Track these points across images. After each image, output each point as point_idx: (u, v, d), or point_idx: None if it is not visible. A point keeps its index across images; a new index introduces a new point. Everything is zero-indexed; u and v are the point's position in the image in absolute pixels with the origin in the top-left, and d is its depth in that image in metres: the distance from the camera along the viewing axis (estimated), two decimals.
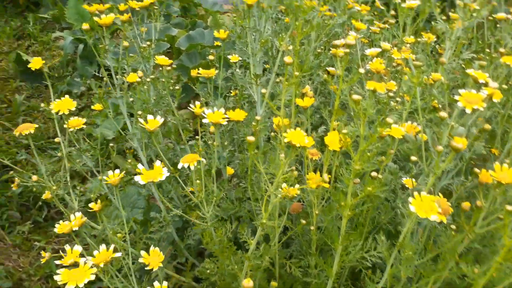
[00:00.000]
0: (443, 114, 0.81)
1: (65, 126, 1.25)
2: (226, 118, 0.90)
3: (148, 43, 1.39)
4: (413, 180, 0.99)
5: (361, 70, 0.85)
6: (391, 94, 1.11)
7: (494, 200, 0.84)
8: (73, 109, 1.07)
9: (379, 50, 1.41)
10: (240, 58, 1.51)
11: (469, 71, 0.84)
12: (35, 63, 1.11)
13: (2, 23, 3.55)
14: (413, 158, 0.90)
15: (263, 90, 0.90)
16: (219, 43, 1.97)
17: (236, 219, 1.31)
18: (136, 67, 1.41)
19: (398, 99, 1.19)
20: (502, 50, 1.33)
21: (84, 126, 1.18)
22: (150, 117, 0.91)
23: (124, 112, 1.17)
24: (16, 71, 2.91)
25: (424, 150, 0.95)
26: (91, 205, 0.98)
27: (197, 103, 0.93)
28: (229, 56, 1.57)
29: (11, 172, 2.00)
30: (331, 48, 1.51)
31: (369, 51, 1.41)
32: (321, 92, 1.68)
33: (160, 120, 0.90)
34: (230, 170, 1.32)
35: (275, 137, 0.98)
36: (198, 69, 1.26)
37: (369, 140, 0.76)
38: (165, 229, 1.33)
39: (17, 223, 1.82)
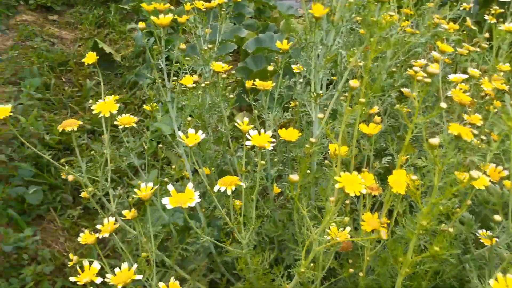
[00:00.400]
0: None
1: (117, 122, 1.22)
2: (273, 141, 0.81)
3: (210, 45, 1.33)
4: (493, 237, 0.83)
5: (443, 105, 0.71)
6: (475, 131, 0.94)
7: None
8: (115, 112, 1.03)
9: (465, 76, 1.23)
10: (304, 69, 1.40)
11: None
12: (89, 57, 1.09)
13: (86, 11, 3.75)
14: (497, 217, 0.74)
15: (320, 115, 0.79)
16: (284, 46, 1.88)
17: (278, 242, 1.21)
18: (196, 69, 1.36)
19: (483, 137, 1.01)
20: None
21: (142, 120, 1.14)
22: (191, 130, 0.84)
23: (173, 117, 1.12)
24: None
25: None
26: (124, 212, 0.93)
27: (246, 119, 0.85)
28: (293, 66, 1.47)
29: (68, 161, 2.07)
30: (408, 69, 1.35)
31: (453, 77, 1.23)
32: (390, 113, 1.53)
33: (201, 136, 0.83)
34: (276, 189, 1.22)
35: (329, 166, 0.86)
36: (254, 80, 1.17)
37: (444, 194, 0.62)
38: (202, 241, 1.26)
39: (69, 206, 1.86)
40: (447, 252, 0.67)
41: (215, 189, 0.78)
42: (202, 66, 1.35)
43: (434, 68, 0.68)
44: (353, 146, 0.98)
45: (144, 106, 1.17)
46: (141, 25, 1.05)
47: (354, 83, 0.71)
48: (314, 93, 0.92)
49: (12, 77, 2.61)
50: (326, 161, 0.91)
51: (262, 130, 0.81)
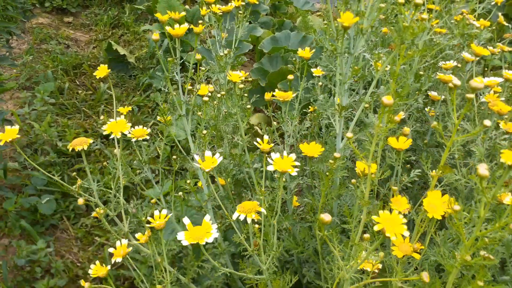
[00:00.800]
0: None
1: (130, 135, 1.16)
2: (297, 165, 0.73)
3: (226, 52, 1.26)
4: None
5: (487, 123, 0.62)
6: None
7: None
8: (127, 132, 0.96)
9: (500, 80, 1.14)
10: (325, 73, 1.32)
11: None
12: (101, 71, 1.03)
13: (102, 12, 3.72)
14: None
15: (349, 135, 0.71)
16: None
17: (299, 262, 1.14)
18: (211, 77, 1.30)
19: None
20: None
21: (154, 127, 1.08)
22: (207, 153, 0.78)
23: (187, 130, 1.05)
24: (105, 59, 3.01)
25: None
26: (138, 235, 0.87)
27: (266, 137, 0.78)
28: (312, 69, 1.39)
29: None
30: (437, 72, 1.26)
31: (486, 81, 1.14)
32: (417, 118, 1.44)
33: (218, 158, 0.76)
34: (296, 202, 1.15)
35: (356, 187, 0.78)
36: (273, 92, 1.09)
37: (493, 227, 0.54)
38: (218, 258, 1.20)
39: (82, 214, 1.83)
40: None
41: (234, 216, 0.71)
42: (217, 74, 1.28)
43: (478, 83, 0.60)
44: (378, 157, 0.90)
45: (158, 118, 1.11)
46: (155, 36, 0.99)
47: (388, 100, 0.63)
48: (339, 106, 0.85)
49: (27, 82, 2.59)
50: (353, 181, 0.83)
51: (284, 153, 0.74)
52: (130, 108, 1.21)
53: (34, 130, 2.11)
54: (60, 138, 2.12)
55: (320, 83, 1.45)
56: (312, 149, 0.87)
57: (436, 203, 0.71)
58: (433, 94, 1.33)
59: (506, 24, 1.61)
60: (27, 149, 2.00)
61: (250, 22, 3.09)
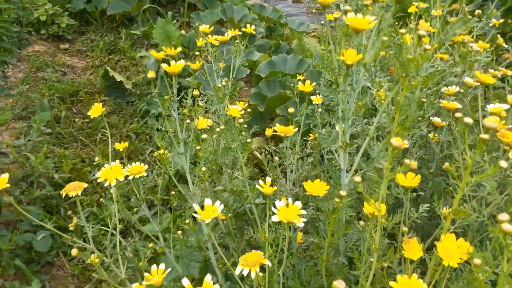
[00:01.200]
0: None
1: (127, 172, 1.12)
2: (303, 214, 0.69)
3: (224, 83, 1.24)
4: None
5: (503, 164, 0.59)
6: None
7: None
8: (122, 179, 0.93)
9: (506, 106, 1.11)
10: (325, 101, 1.30)
11: None
12: (95, 110, 1.00)
13: (98, 38, 3.73)
14: None
15: (357, 179, 0.68)
16: (301, 77, 1.78)
17: None
18: (209, 108, 1.27)
19: None
20: None
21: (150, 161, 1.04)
22: (207, 201, 0.74)
23: (186, 168, 1.02)
24: (102, 86, 2.99)
25: None
26: (134, 286, 0.82)
27: (268, 179, 0.74)
28: (312, 97, 1.37)
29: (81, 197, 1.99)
30: (441, 100, 1.23)
31: (491, 107, 1.11)
32: (420, 145, 1.40)
33: (219, 207, 0.73)
34: (300, 240, 1.11)
35: (364, 229, 0.75)
36: (273, 122, 1.06)
37: None
38: None
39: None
40: None
41: (237, 271, 0.67)
42: (216, 104, 1.25)
43: (493, 122, 0.57)
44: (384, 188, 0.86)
45: (155, 154, 1.07)
46: (151, 74, 0.96)
47: (397, 141, 0.60)
48: (343, 143, 0.81)
49: (23, 112, 2.56)
50: (361, 223, 0.79)
51: (290, 201, 0.70)
52: (126, 144, 1.17)
53: (30, 162, 2.07)
54: (56, 169, 2.08)
55: (319, 110, 1.43)
56: (317, 187, 0.83)
57: (451, 248, 0.67)
58: (436, 120, 1.31)
59: (506, 46, 1.60)
60: (23, 183, 1.96)
61: (246, 46, 3.09)
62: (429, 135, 1.40)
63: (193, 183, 1.01)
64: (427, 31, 1.49)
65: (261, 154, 2.40)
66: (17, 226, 1.72)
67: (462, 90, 1.27)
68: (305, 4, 5.28)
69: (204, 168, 0.97)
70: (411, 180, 0.82)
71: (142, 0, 3.73)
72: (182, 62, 0.96)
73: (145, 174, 1.12)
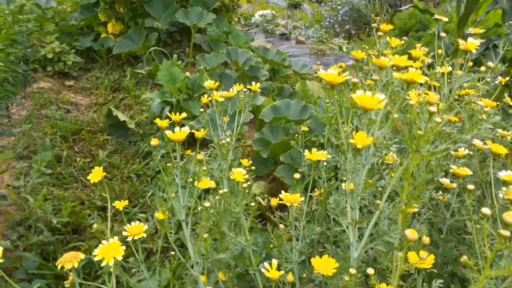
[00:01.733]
0: None
1: (125, 232, 1.09)
2: None
3: (228, 139, 1.23)
4: None
5: None
6: None
7: None
8: (120, 258, 0.90)
9: None
10: (331, 158, 1.29)
11: None
12: (95, 174, 0.99)
13: (103, 75, 3.78)
14: None
15: (370, 271, 0.65)
16: (305, 128, 1.78)
17: None
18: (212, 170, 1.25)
19: None
20: None
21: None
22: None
23: (186, 235, 0.99)
24: (105, 124, 3.00)
25: None
26: None
27: (274, 261, 0.72)
28: (317, 152, 1.36)
29: (79, 243, 1.95)
30: (451, 167, 1.22)
31: (503, 174, 1.10)
32: (429, 207, 1.38)
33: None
34: None
35: None
36: (280, 197, 1.04)
37: None
38: None
39: None
40: None
41: None
42: (220, 160, 1.24)
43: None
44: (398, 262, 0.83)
45: (156, 215, 1.04)
46: (154, 141, 0.95)
47: (412, 234, 0.58)
48: (353, 220, 0.79)
49: (24, 151, 2.55)
50: None
51: (296, 272, 0.68)
52: (126, 202, 1.15)
53: (28, 205, 2.04)
54: (55, 212, 2.04)
55: (325, 163, 1.42)
56: (325, 264, 0.80)
57: None
58: (446, 182, 1.29)
59: None
60: (20, 227, 1.92)
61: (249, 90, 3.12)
62: (439, 195, 1.38)
63: (194, 252, 0.98)
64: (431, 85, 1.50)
65: (264, 200, 2.37)
66: (13, 275, 1.67)
67: (471, 153, 1.26)
68: (308, 45, 5.39)
69: (206, 235, 0.94)
70: (426, 261, 0.79)
71: (148, 40, 3.81)
72: (186, 129, 0.96)
73: (144, 235, 1.08)
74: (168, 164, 0.96)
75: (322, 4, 7.92)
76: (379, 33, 1.36)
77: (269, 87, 3.24)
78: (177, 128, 0.96)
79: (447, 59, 1.46)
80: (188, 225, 0.97)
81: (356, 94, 0.72)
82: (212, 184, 1.03)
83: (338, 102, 0.89)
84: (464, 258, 0.63)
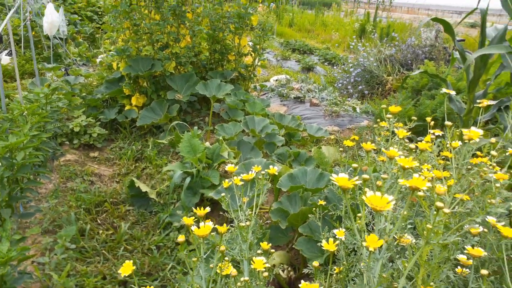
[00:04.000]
0: None
1: None
2: None
3: (248, 222, 1.27)
4: None
5: None
6: None
7: None
8: None
9: None
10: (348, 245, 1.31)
11: None
12: (126, 268, 1.04)
13: (126, 145, 3.94)
14: None
15: None
16: (322, 202, 1.81)
17: None
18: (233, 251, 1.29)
19: None
20: None
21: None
22: None
23: None
24: (127, 195, 3.09)
25: None
26: None
27: None
28: (335, 231, 1.38)
29: None
30: (465, 249, 1.22)
31: None
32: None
33: None
34: None
35: None
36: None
37: None
38: None
39: None
40: None
41: None
42: (240, 244, 1.28)
43: None
44: None
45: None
46: (181, 238, 1.01)
47: None
48: None
49: (50, 225, 2.64)
50: None
51: None
52: (134, 268, 1.17)
53: (52, 281, 2.08)
54: None
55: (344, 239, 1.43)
56: None
57: None
58: (463, 258, 1.28)
59: None
60: None
61: (266, 154, 3.20)
62: (457, 269, 1.36)
63: None
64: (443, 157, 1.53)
65: (283, 271, 2.34)
66: None
67: (485, 230, 1.27)
68: (322, 107, 5.54)
69: None
70: None
71: (169, 111, 4.01)
72: (210, 225, 1.01)
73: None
74: (193, 259, 1.00)
75: (335, 67, 8.22)
76: (388, 115, 1.44)
77: (285, 153, 3.32)
78: (202, 224, 1.02)
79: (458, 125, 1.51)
80: None
81: (368, 195, 0.77)
82: (234, 272, 1.06)
83: (351, 206, 0.93)
84: None
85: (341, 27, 13.55)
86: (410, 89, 5.35)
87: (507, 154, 1.69)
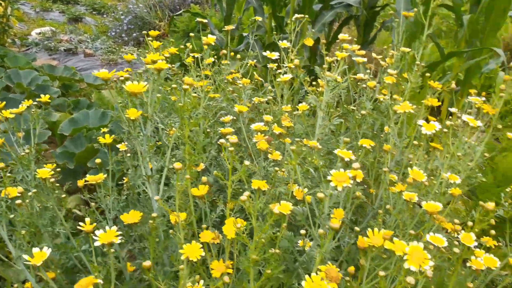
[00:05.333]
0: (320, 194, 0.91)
1: None
2: (119, 234, 0.89)
3: (27, 150, 1.31)
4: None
5: None
6: None
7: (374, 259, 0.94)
8: None
9: None
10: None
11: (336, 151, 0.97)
12: None
13: None
14: (303, 231, 0.98)
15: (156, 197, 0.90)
16: (105, 129, 1.93)
17: None
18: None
19: None
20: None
21: None
22: (35, 249, 0.85)
23: (4, 236, 1.06)
24: None
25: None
26: None
27: (87, 219, 0.90)
28: (118, 144, 1.56)
29: None
30: None
31: None
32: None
33: (47, 251, 0.84)
34: (130, 268, 1.28)
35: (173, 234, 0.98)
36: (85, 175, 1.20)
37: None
38: None
39: None
40: (277, 271, 0.86)
41: None
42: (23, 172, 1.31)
43: None
44: None
45: None
46: None
47: None
48: (148, 176, 1.04)
49: None
50: None
51: (107, 227, 0.88)
52: None
53: None
54: None
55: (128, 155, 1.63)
56: (132, 216, 1.03)
57: None
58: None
59: None
60: None
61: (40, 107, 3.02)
62: None
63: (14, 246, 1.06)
64: None
65: (80, 211, 2.40)
66: None
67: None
68: (98, 57, 5.36)
69: (23, 231, 1.05)
70: None
71: None
72: None
73: None
74: None
75: (105, 15, 7.88)
76: (149, 38, 1.65)
77: (64, 103, 3.20)
78: None
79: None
80: (4, 227, 1.05)
81: (127, 84, 0.96)
82: (20, 189, 1.11)
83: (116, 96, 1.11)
84: None
85: None
86: (181, 32, 5.73)
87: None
